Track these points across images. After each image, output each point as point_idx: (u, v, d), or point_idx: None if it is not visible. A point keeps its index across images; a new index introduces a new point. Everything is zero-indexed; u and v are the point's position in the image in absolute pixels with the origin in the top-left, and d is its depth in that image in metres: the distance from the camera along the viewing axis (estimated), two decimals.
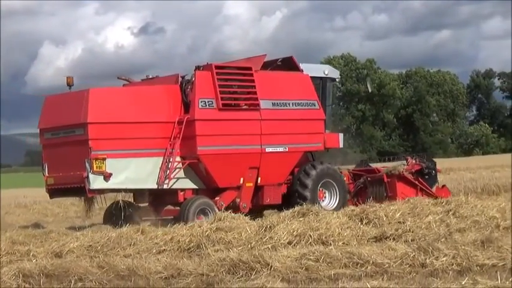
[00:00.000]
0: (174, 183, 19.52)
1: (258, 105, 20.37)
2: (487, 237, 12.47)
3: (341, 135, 22.35)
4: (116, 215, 19.26)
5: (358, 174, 22.73)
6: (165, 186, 19.37)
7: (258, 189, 20.62)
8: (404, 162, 23.22)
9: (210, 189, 20.07)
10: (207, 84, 19.67)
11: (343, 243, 14.18)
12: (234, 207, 19.84)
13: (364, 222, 15.64)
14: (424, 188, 22.34)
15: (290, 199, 20.50)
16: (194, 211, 19.00)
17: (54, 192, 19.88)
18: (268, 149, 20.49)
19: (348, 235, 14.62)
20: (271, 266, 11.74)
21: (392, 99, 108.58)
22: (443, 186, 23.62)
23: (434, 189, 22.79)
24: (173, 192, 19.72)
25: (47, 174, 19.71)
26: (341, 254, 12.09)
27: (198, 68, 19.89)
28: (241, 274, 11.65)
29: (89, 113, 18.58)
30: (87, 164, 18.46)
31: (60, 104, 19.64)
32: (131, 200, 20.55)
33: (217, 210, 19.10)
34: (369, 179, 22.28)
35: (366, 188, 22.26)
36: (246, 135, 20.23)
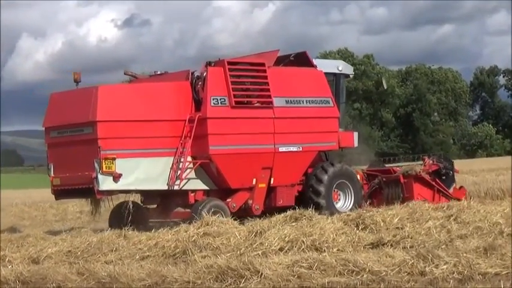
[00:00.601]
0: (185, 184, 19.68)
1: (271, 102, 20.55)
2: (490, 244, 12.30)
3: (355, 134, 22.57)
4: (123, 217, 19.30)
5: (373, 174, 23.05)
6: (175, 187, 19.52)
7: (270, 190, 20.75)
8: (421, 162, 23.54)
9: (221, 190, 20.25)
10: (219, 81, 19.84)
11: (338, 249, 14.03)
12: (246, 209, 20.19)
13: (360, 228, 15.56)
14: (441, 189, 22.66)
15: (303, 201, 20.64)
16: (206, 213, 19.14)
17: (61, 193, 20.02)
18: (282, 149, 20.68)
19: (343, 241, 14.52)
20: (261, 274, 11.61)
21: (391, 98, 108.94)
22: (461, 187, 23.84)
23: (451, 190, 23.16)
24: (183, 193, 19.86)
25: (52, 174, 19.85)
26: (335, 261, 11.94)
27: (209, 63, 20.00)
28: (229, 282, 11.57)
29: (98, 110, 18.74)
30: (96, 164, 18.63)
31: (67, 101, 19.80)
32: (138, 201, 20.79)
33: (229, 212, 19.39)
34: (384, 179, 22.56)
35: (381, 189, 22.52)
36: (259, 134, 20.40)
